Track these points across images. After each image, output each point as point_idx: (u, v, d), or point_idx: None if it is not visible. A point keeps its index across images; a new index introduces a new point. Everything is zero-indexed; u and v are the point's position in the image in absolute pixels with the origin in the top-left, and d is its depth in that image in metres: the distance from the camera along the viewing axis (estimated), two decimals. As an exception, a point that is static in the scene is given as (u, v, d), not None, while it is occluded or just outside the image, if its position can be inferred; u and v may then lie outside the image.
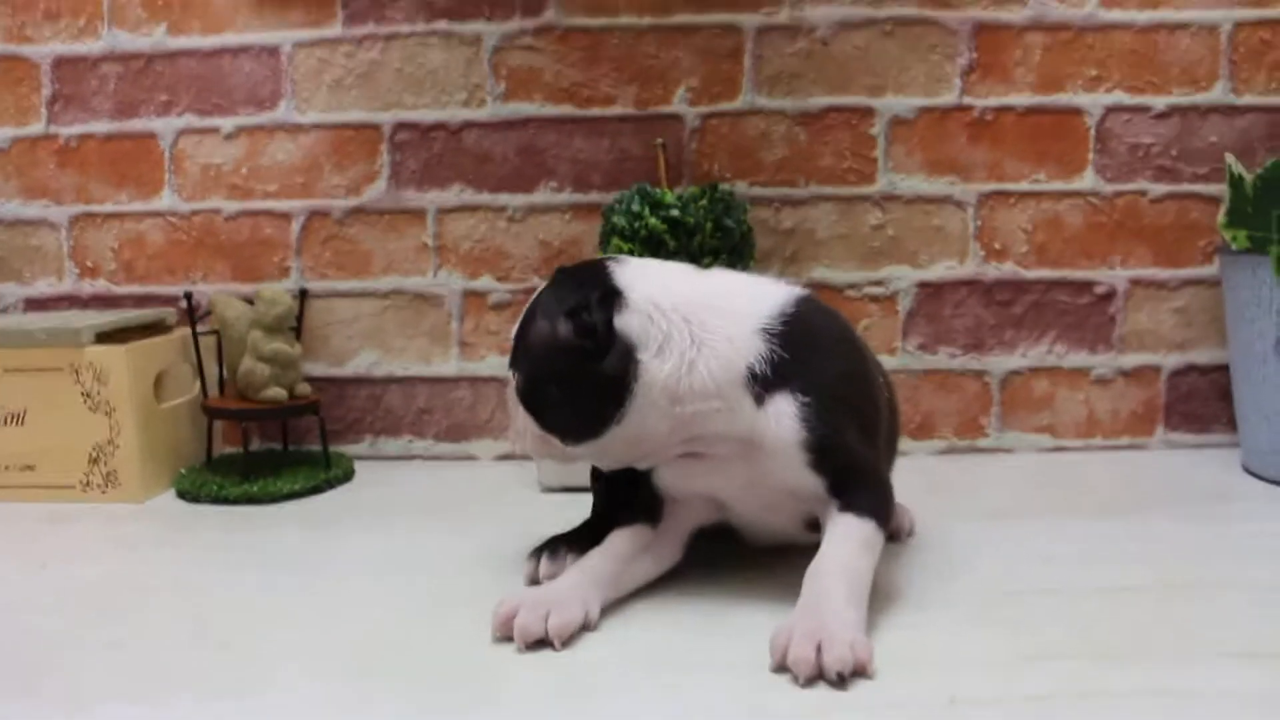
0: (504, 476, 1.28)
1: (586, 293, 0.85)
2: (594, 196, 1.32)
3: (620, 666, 0.75)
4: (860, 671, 0.71)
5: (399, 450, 1.37)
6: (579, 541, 0.92)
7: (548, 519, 1.04)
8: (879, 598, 0.84)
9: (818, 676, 0.71)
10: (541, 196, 1.33)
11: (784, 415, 0.82)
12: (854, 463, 0.84)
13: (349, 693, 0.72)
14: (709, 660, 0.76)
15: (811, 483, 0.83)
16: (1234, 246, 1.22)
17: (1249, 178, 1.19)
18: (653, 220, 1.18)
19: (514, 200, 1.33)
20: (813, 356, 0.84)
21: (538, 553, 0.93)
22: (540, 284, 1.33)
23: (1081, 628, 0.80)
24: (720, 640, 0.79)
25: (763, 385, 0.82)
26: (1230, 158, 1.21)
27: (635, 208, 1.19)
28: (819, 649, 0.71)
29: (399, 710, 0.69)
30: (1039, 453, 1.34)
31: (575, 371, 0.85)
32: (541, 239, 1.33)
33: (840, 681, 0.70)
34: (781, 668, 0.72)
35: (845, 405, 0.85)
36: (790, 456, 0.83)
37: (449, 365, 1.35)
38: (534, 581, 0.91)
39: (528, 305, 0.90)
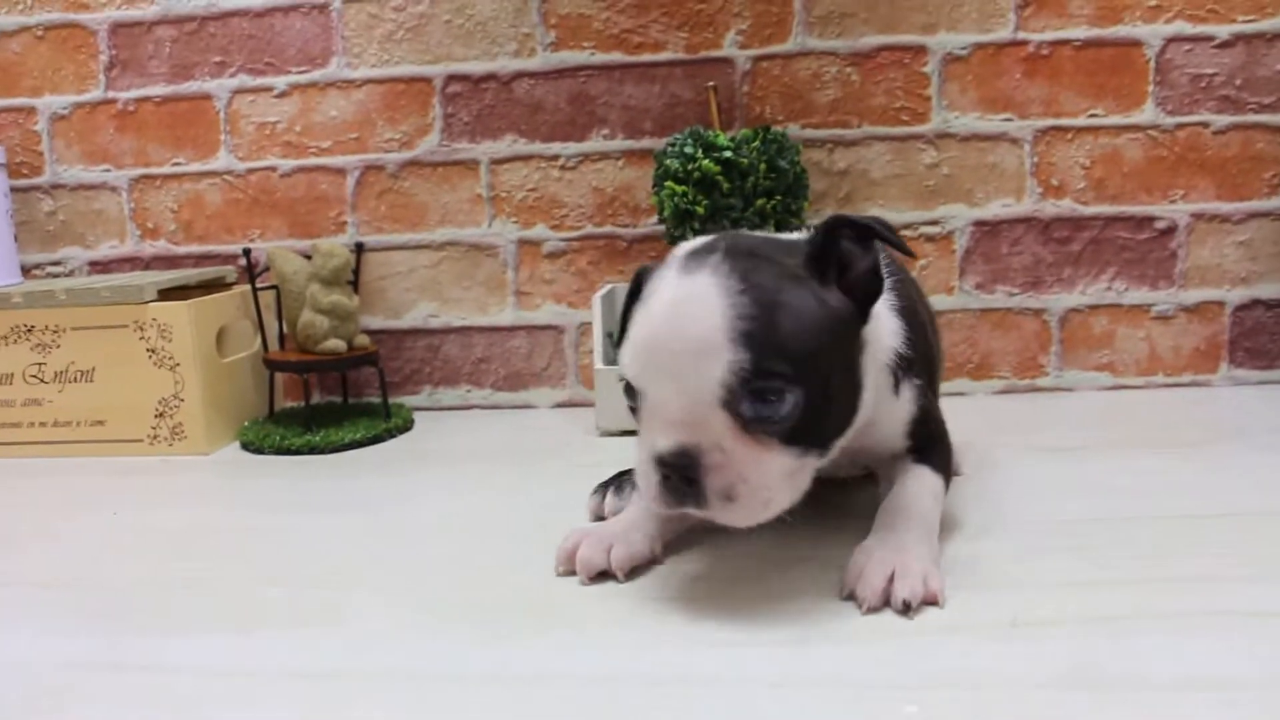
0: (563, 422, 1.29)
1: (810, 251, 0.72)
2: (646, 143, 1.32)
3: (684, 598, 0.76)
4: (931, 601, 0.71)
5: (457, 400, 1.38)
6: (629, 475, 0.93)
7: (609, 460, 1.05)
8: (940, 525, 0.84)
9: (884, 605, 0.71)
10: (594, 144, 1.33)
11: (906, 397, 0.81)
12: (936, 427, 0.85)
13: (423, 620, 0.73)
14: (769, 591, 0.76)
15: (900, 446, 0.83)
16: (1300, 175, 1.20)
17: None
18: (706, 162, 1.17)
19: (566, 149, 1.33)
20: (912, 326, 0.82)
21: (603, 488, 0.93)
22: (594, 230, 1.36)
23: (1144, 554, 0.80)
24: (783, 570, 0.80)
25: (902, 368, 0.80)
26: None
27: (689, 150, 1.19)
28: (891, 578, 0.71)
29: (471, 636, 0.70)
30: (1100, 391, 1.33)
31: (850, 349, 0.73)
32: (594, 186, 1.34)
33: (906, 610, 0.70)
34: (851, 595, 0.73)
35: (932, 372, 0.85)
36: (897, 429, 0.82)
37: (505, 315, 1.36)
38: (599, 517, 0.91)
39: (730, 306, 0.66)
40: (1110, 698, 0.59)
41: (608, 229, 1.34)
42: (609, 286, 1.30)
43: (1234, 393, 1.30)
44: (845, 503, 0.92)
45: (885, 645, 0.66)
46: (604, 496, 0.93)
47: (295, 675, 0.66)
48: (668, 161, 1.20)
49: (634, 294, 0.75)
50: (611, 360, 1.24)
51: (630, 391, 0.71)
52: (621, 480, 0.93)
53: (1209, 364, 1.33)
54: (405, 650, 0.69)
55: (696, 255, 0.71)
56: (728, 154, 1.18)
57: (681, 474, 0.67)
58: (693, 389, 0.66)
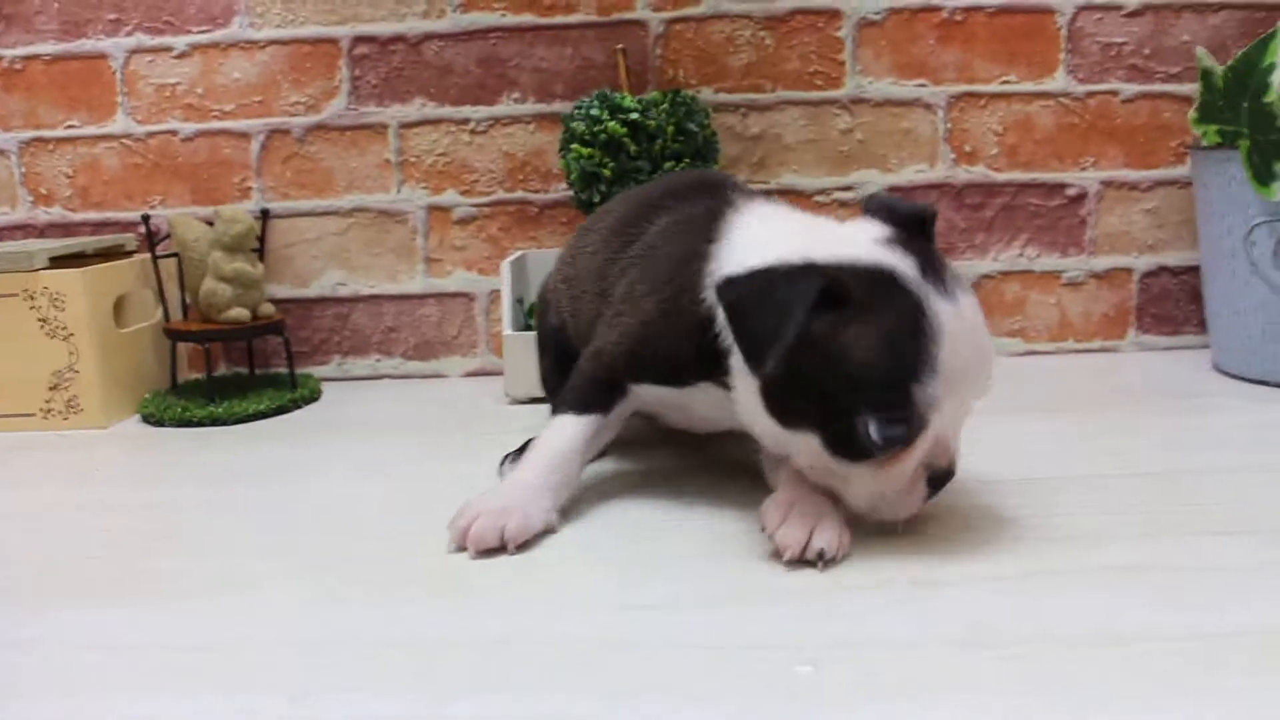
0: (474, 391, 1.27)
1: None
2: (558, 106, 1.30)
3: (583, 562, 0.75)
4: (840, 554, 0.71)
5: (367, 370, 1.35)
6: None
7: (519, 428, 1.04)
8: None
9: (801, 557, 0.71)
10: (504, 108, 1.30)
11: None
12: None
13: (325, 591, 0.71)
14: (663, 553, 0.75)
15: None
16: (1205, 142, 1.21)
17: (1219, 71, 1.17)
18: (613, 124, 1.16)
19: (477, 112, 1.31)
20: None
21: (515, 455, 0.92)
22: (505, 196, 1.34)
23: (1044, 513, 0.80)
24: (676, 532, 0.79)
25: None
26: (1201, 51, 1.19)
27: (595, 112, 1.17)
28: (811, 532, 0.71)
29: (373, 605, 0.69)
30: (1011, 356, 1.33)
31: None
32: (505, 150, 1.31)
33: (822, 562, 0.70)
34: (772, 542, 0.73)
35: None
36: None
37: (415, 283, 1.33)
38: None
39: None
40: (1005, 654, 0.59)
41: (519, 195, 1.31)
42: (519, 253, 1.28)
43: (1141, 358, 1.32)
44: (717, 463, 0.92)
45: (782, 607, 0.66)
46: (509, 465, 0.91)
47: (194, 648, 0.64)
48: (574, 124, 1.18)
49: (826, 305, 0.67)
50: (521, 326, 1.22)
51: (900, 421, 0.68)
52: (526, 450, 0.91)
53: (1118, 330, 1.34)
54: (307, 620, 0.67)
55: (924, 266, 0.70)
56: (635, 116, 1.16)
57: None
58: (969, 410, 0.73)
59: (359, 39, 1.30)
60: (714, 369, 0.76)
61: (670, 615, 0.65)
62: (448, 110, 1.30)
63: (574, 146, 1.17)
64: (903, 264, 0.70)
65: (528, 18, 1.29)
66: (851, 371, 0.67)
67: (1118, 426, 1.03)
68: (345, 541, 0.80)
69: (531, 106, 1.30)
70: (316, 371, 1.35)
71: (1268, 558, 0.71)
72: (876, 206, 0.77)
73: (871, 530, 0.76)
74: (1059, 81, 1.30)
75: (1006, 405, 1.10)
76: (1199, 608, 0.64)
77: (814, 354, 0.68)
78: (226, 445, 1.09)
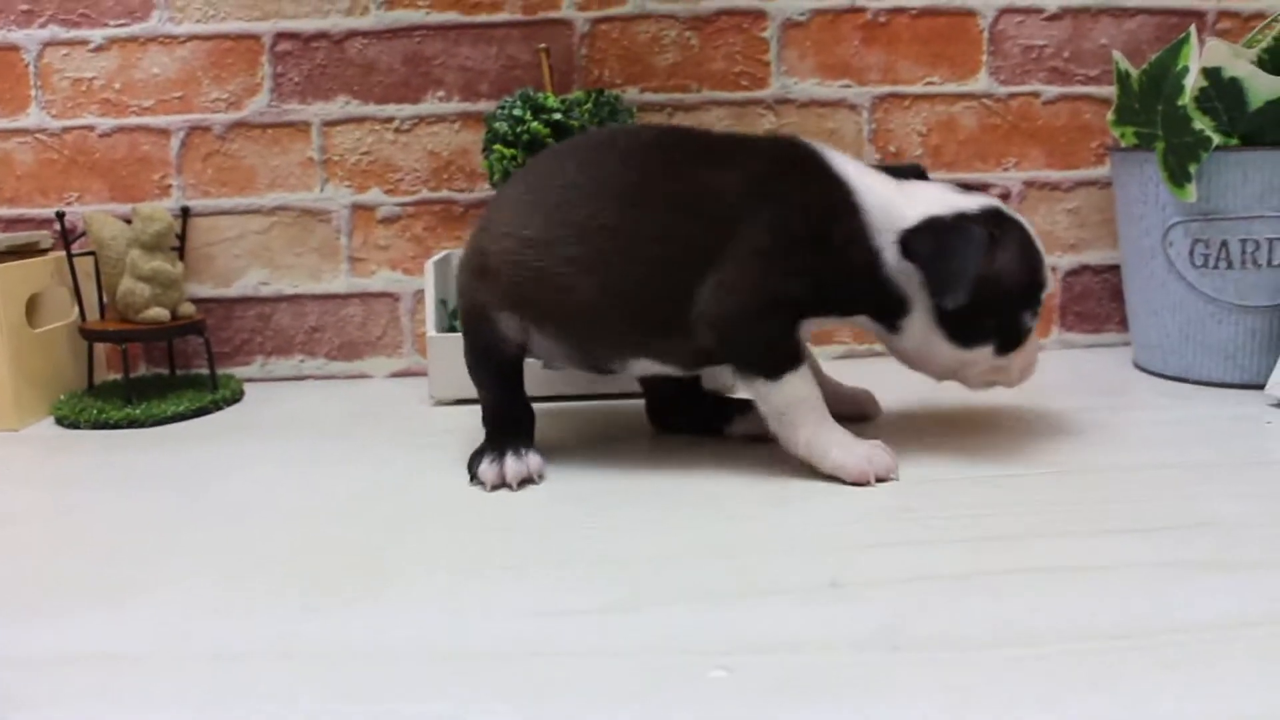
0: (399, 392, 1.25)
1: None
2: (483, 105, 1.29)
3: (506, 565, 0.74)
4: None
5: (290, 371, 1.33)
6: (519, 435, 0.92)
7: (444, 429, 1.03)
8: (770, 488, 0.84)
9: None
10: (429, 106, 1.29)
11: None
12: None
13: (243, 596, 0.70)
14: (585, 555, 0.75)
15: None
16: (1122, 143, 1.23)
17: (1134, 74, 1.19)
18: (535, 124, 1.15)
19: (401, 111, 1.29)
20: None
21: (493, 455, 0.90)
22: (430, 196, 1.32)
23: (965, 513, 0.81)
24: (604, 535, 0.79)
25: None
26: (1117, 54, 1.21)
27: (518, 112, 1.16)
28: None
29: (293, 611, 0.68)
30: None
31: None
32: (430, 150, 1.30)
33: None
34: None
35: None
36: None
37: (339, 282, 1.32)
38: (498, 486, 0.89)
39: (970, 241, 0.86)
40: (923, 657, 0.59)
41: (443, 194, 1.30)
42: (444, 252, 1.27)
43: (1065, 355, 1.33)
44: (662, 472, 0.92)
45: (698, 609, 0.66)
46: (499, 463, 0.89)
47: (107, 656, 0.62)
48: (497, 124, 1.17)
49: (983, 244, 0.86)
50: (446, 328, 1.21)
51: (1039, 310, 0.94)
52: (506, 445, 0.91)
53: (1041, 328, 1.35)
54: (223, 627, 0.66)
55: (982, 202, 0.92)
56: (557, 116, 1.16)
57: None
58: None
59: (281, 35, 1.29)
60: (881, 308, 0.90)
61: (585, 620, 0.65)
62: (372, 108, 1.29)
63: (496, 147, 1.17)
64: (995, 204, 0.92)
65: (452, 16, 1.28)
66: (1011, 287, 0.90)
67: (1035, 426, 1.04)
68: (263, 546, 0.79)
69: (456, 105, 1.29)
70: (239, 372, 1.33)
71: (1178, 555, 0.72)
72: (905, 171, 0.97)
73: (791, 532, 0.76)
74: (981, 83, 1.32)
75: (928, 405, 1.11)
76: (1113, 607, 0.64)
77: (983, 283, 0.86)
78: (143, 448, 1.07)
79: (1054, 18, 1.31)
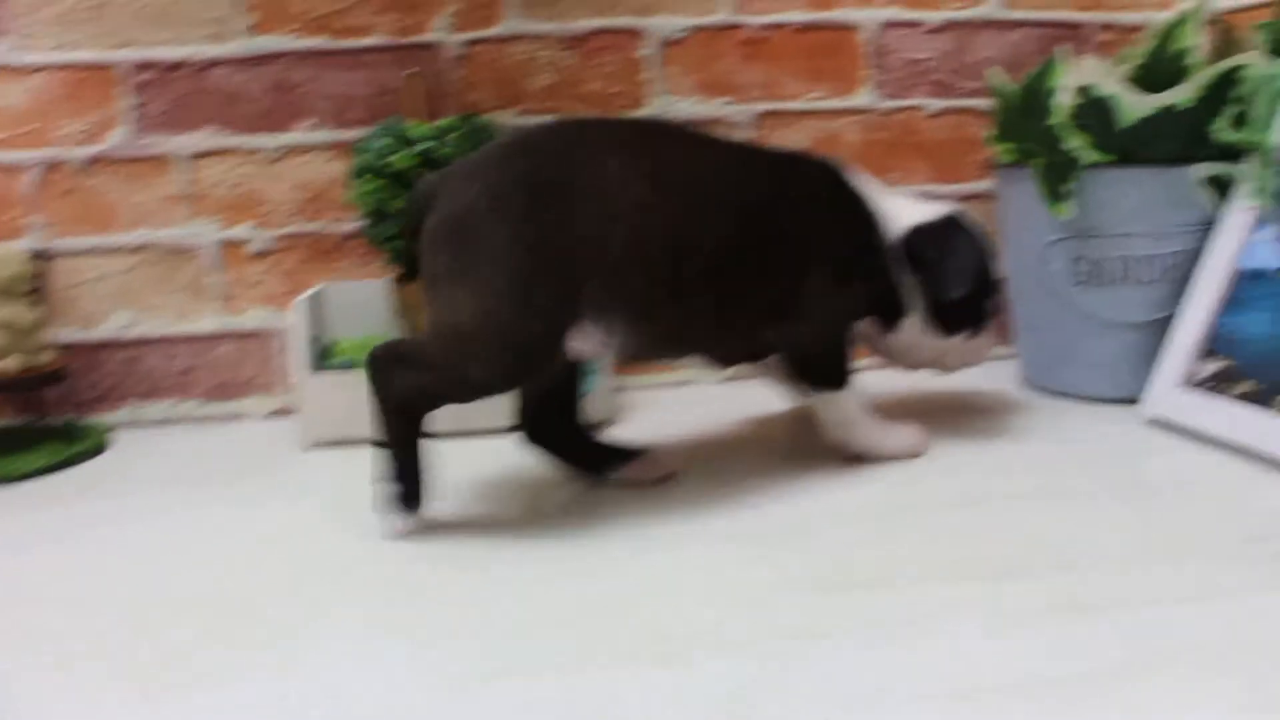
0: (273, 433, 1.21)
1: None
2: (355, 133, 1.24)
3: (409, 629, 0.71)
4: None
5: (163, 414, 1.28)
6: (417, 485, 0.88)
7: (317, 475, 1.01)
8: (634, 525, 0.81)
9: None
10: (299, 135, 1.25)
11: None
12: None
13: (101, 667, 0.67)
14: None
15: None
16: (1002, 160, 1.21)
17: (1011, 91, 1.18)
18: (402, 156, 1.11)
19: (269, 141, 1.24)
20: None
21: (402, 501, 0.87)
22: (303, 228, 1.28)
23: (829, 559, 0.79)
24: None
25: None
26: (994, 71, 1.20)
27: (384, 143, 1.12)
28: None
29: (152, 683, 0.65)
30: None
31: None
32: (301, 181, 1.25)
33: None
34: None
35: None
36: None
37: (210, 321, 1.27)
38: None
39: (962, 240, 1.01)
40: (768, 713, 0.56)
41: (316, 226, 1.26)
42: (318, 287, 1.22)
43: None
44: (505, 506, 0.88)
45: (539, 677, 0.63)
46: (408, 509, 0.87)
47: None
48: (363, 155, 1.13)
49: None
50: (319, 368, 1.17)
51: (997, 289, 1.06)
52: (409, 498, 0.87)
53: (933, 345, 1.35)
54: (77, 708, 0.62)
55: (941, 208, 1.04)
56: (426, 146, 1.12)
57: None
58: None
59: (141, 64, 1.23)
60: (889, 309, 1.01)
61: (435, 693, 0.62)
62: (239, 139, 1.24)
63: (363, 179, 1.13)
64: (954, 207, 1.05)
65: (320, 41, 1.23)
66: (983, 279, 1.02)
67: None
68: (123, 610, 0.75)
69: (327, 134, 1.25)
70: (109, 418, 1.27)
71: (1027, 602, 0.70)
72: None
73: (661, 582, 0.74)
74: (864, 97, 1.30)
75: (795, 439, 1.10)
76: (954, 661, 0.62)
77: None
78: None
79: (936, 31, 1.30)
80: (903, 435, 1.01)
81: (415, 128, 1.13)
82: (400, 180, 1.11)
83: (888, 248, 0.99)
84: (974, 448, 1.03)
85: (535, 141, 0.88)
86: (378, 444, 0.88)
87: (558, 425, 0.98)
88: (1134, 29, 1.32)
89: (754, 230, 0.90)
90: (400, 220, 1.11)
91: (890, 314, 1.01)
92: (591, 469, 0.98)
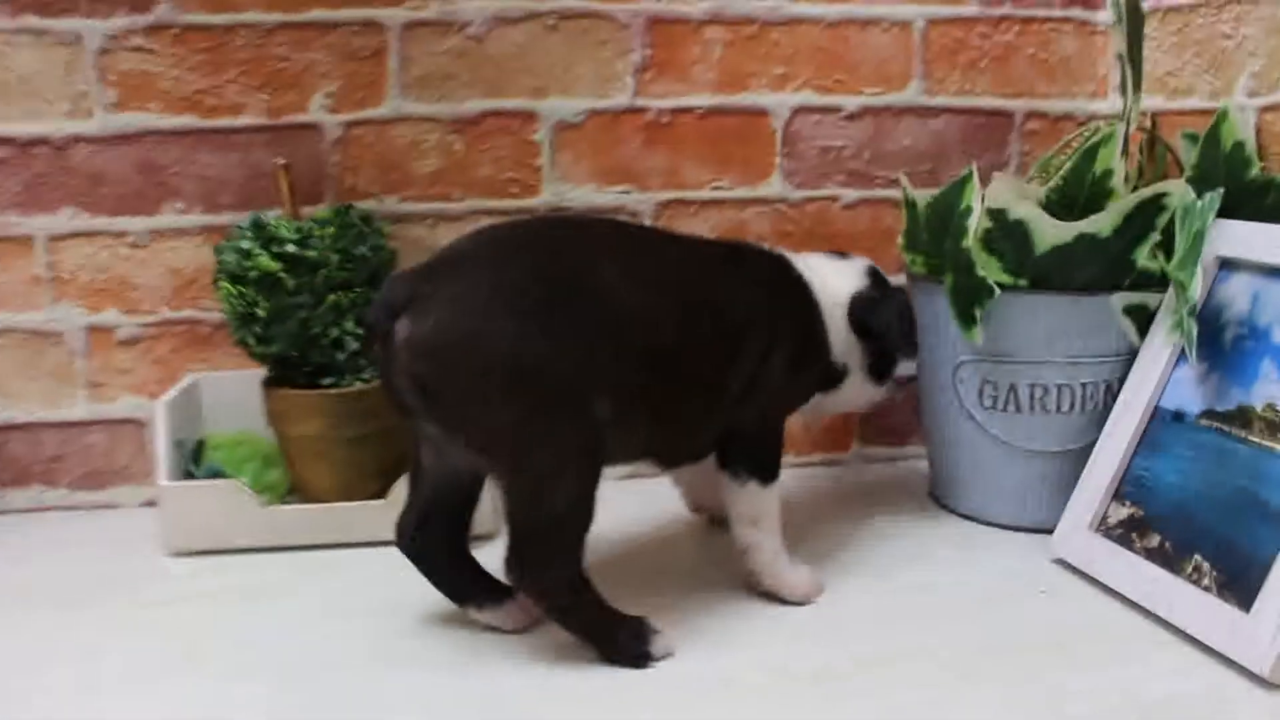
0: (141, 530, 1.14)
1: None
2: (227, 218, 1.17)
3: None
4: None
5: (30, 502, 1.22)
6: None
7: (181, 590, 0.97)
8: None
9: None
10: (167, 219, 1.18)
11: None
12: None
13: None
14: None
15: None
16: (912, 270, 1.14)
17: (921, 204, 1.10)
18: (264, 259, 1.04)
19: (135, 224, 1.17)
20: None
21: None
22: (173, 315, 1.21)
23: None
24: None
25: None
26: (904, 179, 1.12)
27: (245, 244, 1.06)
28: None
29: None
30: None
31: None
32: (172, 266, 1.19)
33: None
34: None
35: None
36: None
37: (77, 408, 1.21)
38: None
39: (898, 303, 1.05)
40: None
41: (188, 313, 1.19)
42: (187, 381, 1.17)
43: (863, 475, 1.27)
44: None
45: None
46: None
47: None
48: (224, 257, 1.06)
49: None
50: (182, 473, 1.12)
51: None
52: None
53: (841, 442, 1.29)
54: None
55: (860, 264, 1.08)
56: (291, 248, 1.05)
57: None
58: None
59: (-3, 139, 1.15)
60: (829, 381, 1.03)
61: None
62: (103, 221, 1.17)
63: (223, 284, 1.06)
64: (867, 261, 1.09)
65: (188, 119, 1.16)
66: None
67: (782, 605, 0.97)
68: None
69: (198, 218, 1.18)
70: (-27, 506, 1.22)
71: None
72: None
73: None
74: (775, 186, 1.23)
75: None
76: None
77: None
78: None
79: (853, 117, 1.22)
80: (802, 576, 0.96)
81: (280, 225, 1.06)
82: (263, 285, 1.05)
83: (829, 330, 1.00)
84: (857, 598, 0.97)
85: (523, 237, 0.87)
86: (577, 630, 0.85)
87: (444, 538, 0.92)
88: (1063, 119, 1.24)
89: (725, 330, 0.90)
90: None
91: (830, 384, 1.03)
92: (459, 597, 0.92)
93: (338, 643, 0.90)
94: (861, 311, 1.01)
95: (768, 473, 0.95)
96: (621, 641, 0.85)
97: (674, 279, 0.89)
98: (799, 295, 0.99)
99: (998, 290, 1.02)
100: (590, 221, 1.02)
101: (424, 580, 0.91)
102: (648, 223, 1.22)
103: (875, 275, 1.06)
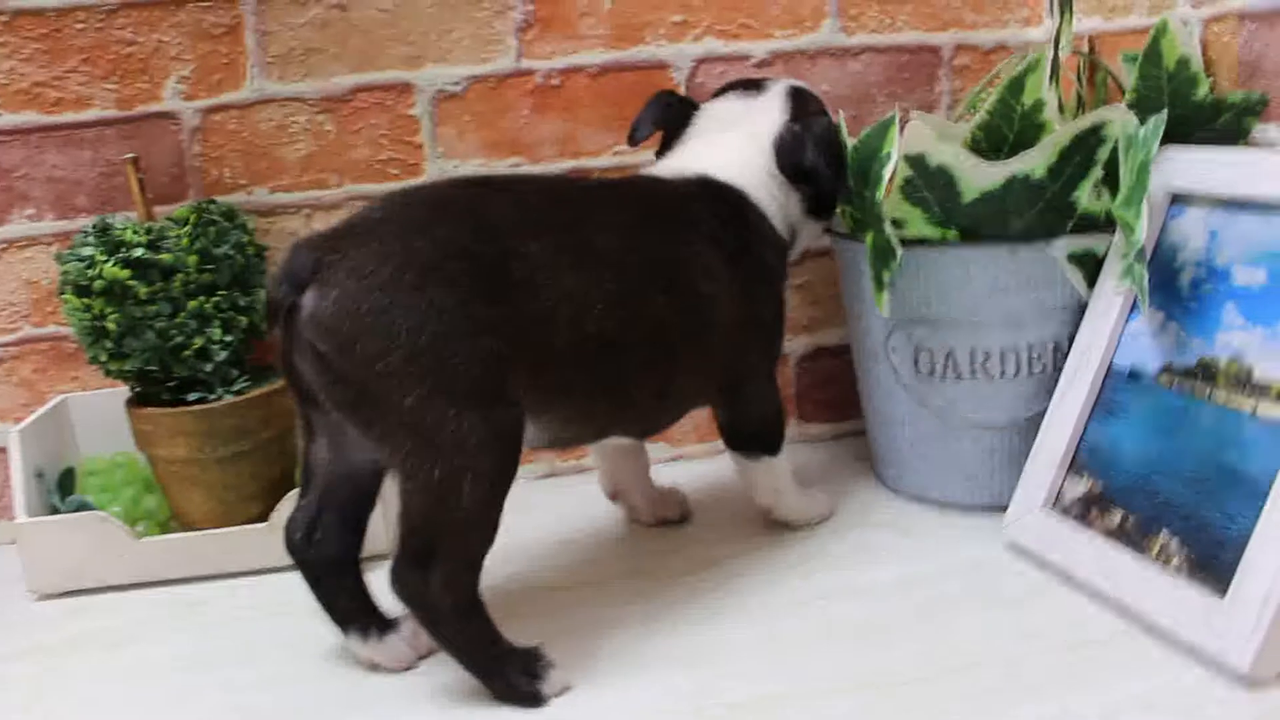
0: (5, 570, 1.05)
1: None
2: (83, 222, 1.07)
3: None
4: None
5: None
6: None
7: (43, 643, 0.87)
8: None
9: None
10: (18, 228, 1.07)
11: None
12: None
13: None
14: None
15: None
16: (841, 225, 1.04)
17: (850, 148, 0.99)
18: (110, 266, 0.94)
19: (-17, 234, 1.08)
20: None
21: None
22: (35, 332, 1.11)
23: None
24: None
25: None
26: (842, 119, 1.01)
27: (88, 250, 0.96)
28: None
29: None
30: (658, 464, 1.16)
31: None
32: (26, 278, 1.08)
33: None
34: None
35: None
36: None
37: (-61, 439, 1.11)
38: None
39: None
40: None
41: (51, 329, 1.10)
42: (54, 402, 1.07)
43: (803, 454, 1.16)
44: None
45: None
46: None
47: None
48: (66, 266, 0.96)
49: None
50: (46, 508, 1.02)
51: None
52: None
53: (779, 421, 1.19)
54: None
55: None
56: (140, 253, 0.95)
57: None
58: None
59: None
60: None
61: None
62: (-54, 233, 1.07)
63: (67, 296, 0.96)
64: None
65: (30, 116, 1.05)
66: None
67: (720, 592, 0.87)
68: None
69: (51, 224, 1.08)
70: None
71: None
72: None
73: None
74: (682, 147, 1.11)
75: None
76: None
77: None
78: None
79: (763, 64, 1.11)
80: (819, 501, 1.02)
81: (128, 228, 0.96)
82: (111, 297, 0.95)
83: (778, 226, 0.96)
84: (786, 611, 0.87)
85: (442, 203, 0.78)
86: (464, 663, 0.76)
87: (335, 540, 0.82)
88: (996, 50, 1.13)
89: (682, 306, 0.85)
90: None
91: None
92: (342, 620, 0.82)
93: (191, 699, 0.80)
94: (788, 154, 0.94)
95: (776, 445, 0.97)
96: (510, 678, 0.75)
97: (614, 254, 0.81)
98: (759, 237, 0.93)
99: (899, 251, 0.91)
100: (517, 182, 0.91)
101: (299, 618, 0.84)
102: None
103: (794, 99, 0.97)
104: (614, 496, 1.04)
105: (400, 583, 0.74)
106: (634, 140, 0.97)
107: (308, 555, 0.82)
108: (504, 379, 0.74)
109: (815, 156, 0.93)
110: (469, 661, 0.75)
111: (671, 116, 0.98)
